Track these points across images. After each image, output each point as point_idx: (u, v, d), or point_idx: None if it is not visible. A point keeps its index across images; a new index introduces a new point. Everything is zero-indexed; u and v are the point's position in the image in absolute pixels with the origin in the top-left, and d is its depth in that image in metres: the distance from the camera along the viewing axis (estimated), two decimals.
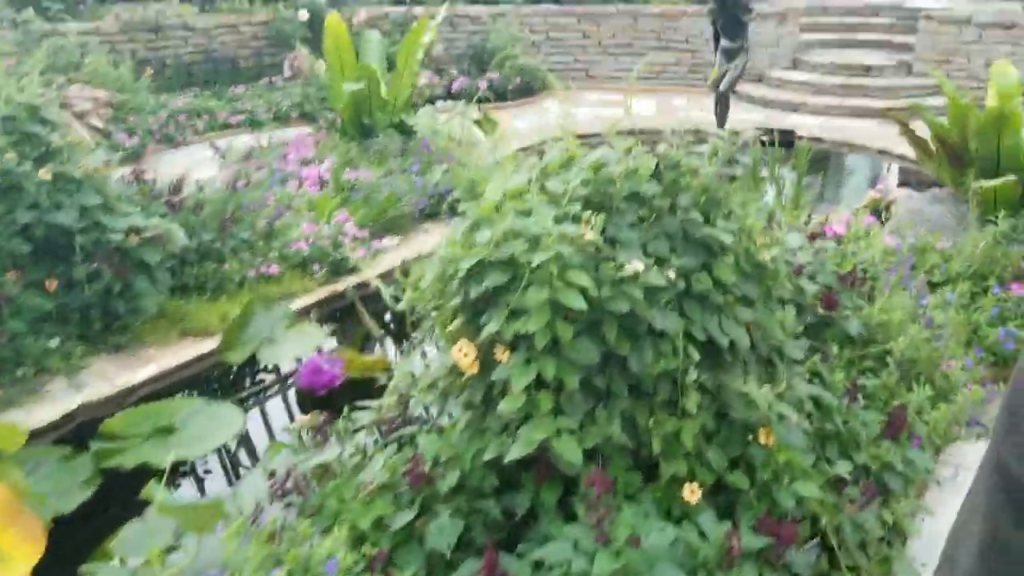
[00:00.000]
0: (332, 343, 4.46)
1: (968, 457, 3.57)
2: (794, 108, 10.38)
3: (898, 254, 4.26)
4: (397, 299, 2.61)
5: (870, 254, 4.12)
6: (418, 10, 11.07)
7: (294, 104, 8.92)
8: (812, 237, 3.49)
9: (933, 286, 4.18)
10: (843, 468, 2.70)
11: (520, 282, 2.27)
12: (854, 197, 7.79)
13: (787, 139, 8.79)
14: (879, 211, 5.36)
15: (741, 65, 7.44)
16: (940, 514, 3.32)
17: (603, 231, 2.39)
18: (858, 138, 8.88)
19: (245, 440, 3.72)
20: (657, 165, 2.61)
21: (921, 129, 5.47)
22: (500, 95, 10.65)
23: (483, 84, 10.59)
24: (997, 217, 4.58)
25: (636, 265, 2.31)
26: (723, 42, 7.48)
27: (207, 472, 3.58)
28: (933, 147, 5.11)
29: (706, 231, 2.45)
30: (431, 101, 10.03)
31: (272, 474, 2.62)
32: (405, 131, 6.66)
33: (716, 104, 7.67)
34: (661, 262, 2.42)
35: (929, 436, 3.10)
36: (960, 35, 10.38)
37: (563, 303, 2.21)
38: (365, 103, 6.61)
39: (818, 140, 8.86)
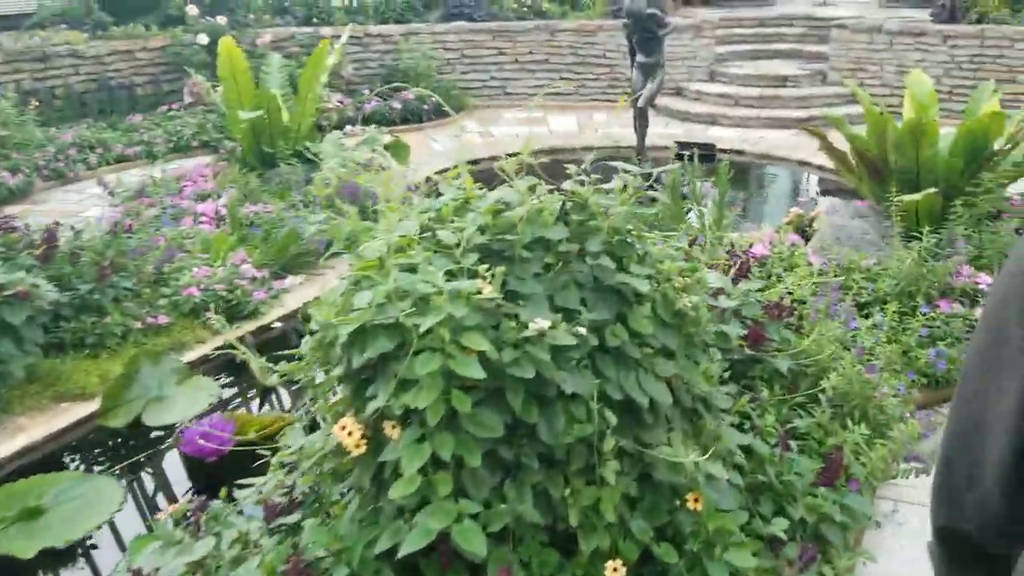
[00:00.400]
0: (231, 398, 4.08)
1: (906, 492, 3.39)
2: (713, 121, 10.32)
3: (824, 275, 4.09)
4: (273, 368, 2.29)
5: (796, 278, 3.94)
6: (326, 31, 10.72)
7: (195, 133, 8.48)
8: (738, 270, 3.27)
9: (861, 307, 4.01)
10: (779, 527, 2.47)
11: (409, 348, 1.97)
12: (779, 211, 7.70)
13: (708, 153, 8.69)
14: (803, 228, 5.21)
15: (658, 80, 7.28)
16: (882, 559, 3.13)
17: (504, 285, 2.12)
18: (778, 149, 8.83)
19: (126, 518, 3.33)
20: (563, 205, 2.34)
21: (840, 140, 5.36)
22: (415, 116, 10.35)
23: (397, 105, 10.28)
24: (921, 232, 4.46)
25: (541, 323, 2.04)
26: (639, 57, 7.32)
27: (82, 557, 3.18)
28: (852, 160, 4.99)
29: (619, 278, 2.19)
30: (341, 126, 9.68)
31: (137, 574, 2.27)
32: (310, 159, 6.31)
33: (635, 120, 7.50)
34: (571, 316, 2.15)
35: (867, 478, 2.90)
36: (871, 43, 10.47)
37: (458, 372, 1.92)
38: (265, 131, 6.25)
39: (739, 153, 8.78)
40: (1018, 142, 4.86)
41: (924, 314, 3.82)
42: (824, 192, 7.88)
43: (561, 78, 11.52)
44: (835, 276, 4.14)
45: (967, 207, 4.66)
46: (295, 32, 10.58)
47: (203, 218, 5.53)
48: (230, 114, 6.16)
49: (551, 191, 2.42)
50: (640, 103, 7.31)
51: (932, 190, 4.54)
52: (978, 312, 3.99)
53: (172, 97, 9.62)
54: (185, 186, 6.28)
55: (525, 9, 11.56)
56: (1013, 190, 5.50)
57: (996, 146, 4.84)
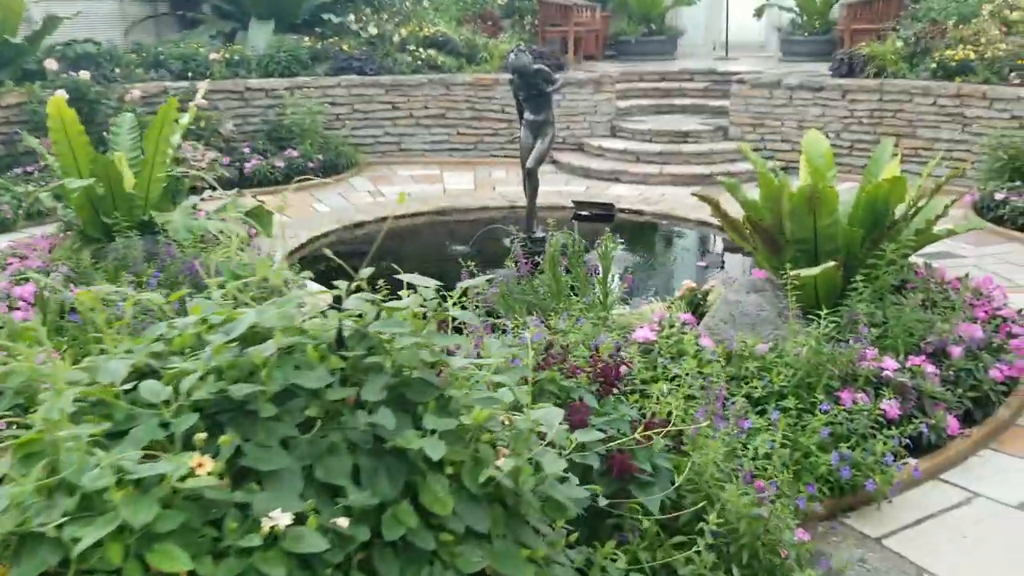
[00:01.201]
0: None
1: None
2: (616, 178, 9.96)
3: (713, 366, 3.58)
4: None
5: (683, 369, 3.43)
6: (203, 85, 10.03)
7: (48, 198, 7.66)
8: (603, 384, 2.70)
9: (756, 403, 3.52)
10: None
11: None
12: (682, 273, 7.28)
13: (606, 213, 8.27)
14: (696, 302, 4.74)
15: (548, 139, 6.82)
16: None
17: (237, 457, 1.51)
18: (679, 208, 8.45)
19: None
20: (339, 333, 1.75)
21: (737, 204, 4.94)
22: (301, 174, 9.70)
23: (280, 164, 9.63)
24: (820, 311, 4.02)
25: (278, 517, 1.43)
26: (527, 115, 6.86)
27: None
28: (746, 229, 4.55)
29: (401, 439, 1.60)
30: (213, 188, 8.97)
31: None
32: (159, 231, 5.63)
33: (524, 182, 7.00)
34: (337, 493, 1.56)
35: None
36: (771, 98, 10.29)
37: None
38: (104, 200, 5.54)
39: (638, 213, 8.38)
40: (920, 208, 4.49)
41: (824, 412, 3.33)
42: (727, 250, 7.52)
43: (458, 133, 11.05)
44: (726, 367, 3.65)
45: (869, 281, 4.25)
46: (168, 87, 9.88)
47: (20, 303, 4.77)
48: (66, 182, 5.45)
49: (331, 307, 1.83)
50: (529, 164, 6.83)
51: (830, 264, 4.12)
52: (884, 404, 3.54)
53: (28, 159, 8.78)
54: (10, 263, 5.51)
55: (420, 62, 11.09)
56: (918, 258, 5.17)
57: (898, 212, 4.47)
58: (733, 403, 3.30)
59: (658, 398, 2.97)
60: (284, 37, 11.19)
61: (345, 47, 11.22)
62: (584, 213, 8.40)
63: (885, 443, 3.30)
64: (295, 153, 9.84)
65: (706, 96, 11.79)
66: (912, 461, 3.50)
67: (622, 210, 8.37)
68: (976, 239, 7.40)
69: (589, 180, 10.02)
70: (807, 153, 4.99)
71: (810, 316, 4.13)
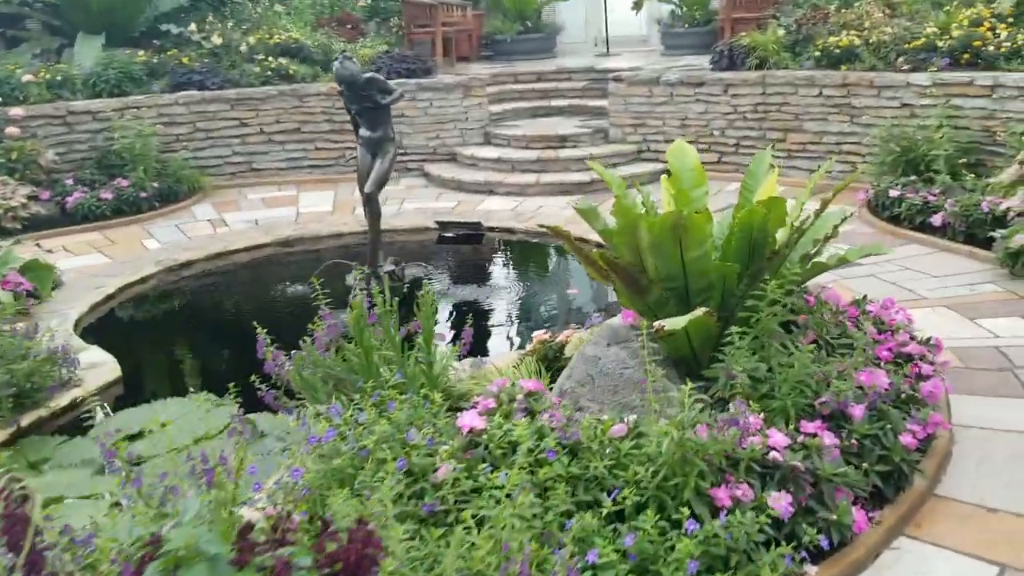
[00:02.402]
0: None
1: None
2: (490, 190, 9.09)
3: (551, 467, 2.71)
4: None
5: (514, 470, 2.55)
6: (16, 111, 8.77)
7: None
8: None
9: (608, 520, 2.66)
10: None
11: None
12: (551, 305, 6.44)
13: (475, 232, 7.40)
14: (550, 357, 3.88)
15: (389, 159, 5.87)
16: None
17: None
18: (553, 221, 7.59)
19: None
20: None
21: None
22: (132, 206, 8.54)
23: (108, 195, 8.44)
24: (698, 361, 3.20)
25: None
26: (362, 131, 5.91)
27: None
28: (603, 267, 3.71)
29: None
30: (25, 228, 7.79)
31: None
32: None
33: (365, 208, 6.02)
34: None
35: None
36: (651, 96, 9.58)
37: None
38: None
39: (509, 231, 7.53)
40: (804, 230, 3.73)
41: (690, 534, 2.49)
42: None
43: (316, 148, 10.02)
44: (569, 464, 2.78)
45: (750, 326, 3.45)
46: None
47: None
48: None
49: None
50: (367, 188, 5.87)
51: (699, 312, 3.30)
52: (773, 500, 2.72)
53: None
54: None
55: (270, 73, 10.00)
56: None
57: (780, 237, 3.69)
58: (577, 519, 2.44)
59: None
60: (115, 52, 9.95)
61: (185, 60, 10.05)
62: (449, 234, 7.51)
63: (774, 568, 2.48)
64: (125, 182, 8.66)
65: (585, 96, 11.03)
66: (810, 572, 2.69)
67: (492, 228, 7.51)
68: (871, 241, 6.78)
69: (462, 194, 9.13)
70: (672, 165, 4.19)
71: (685, 370, 3.31)
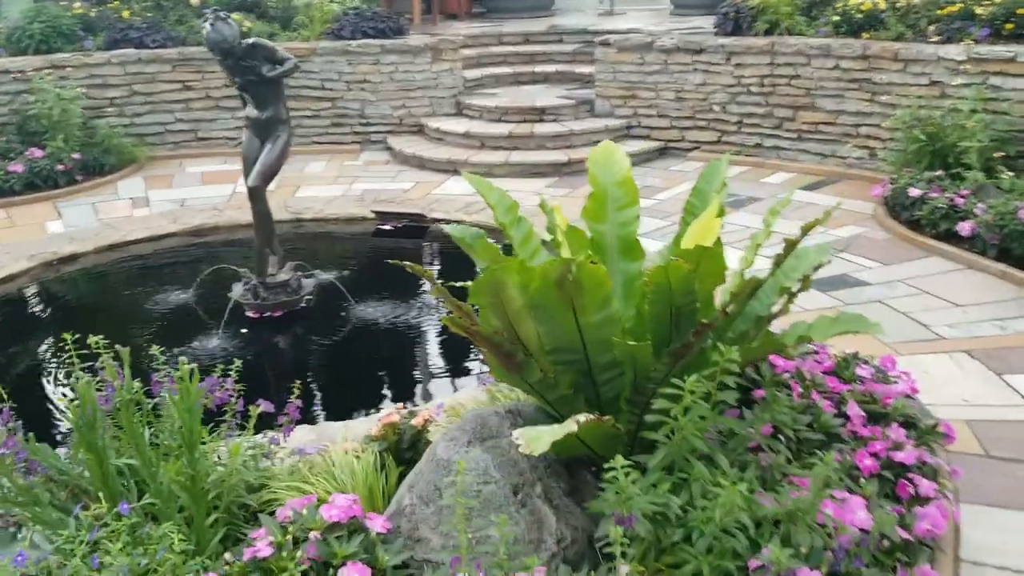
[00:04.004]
0: None
1: None
2: (454, 169, 7.98)
3: None
4: None
5: None
6: None
7: None
8: None
9: None
10: None
11: None
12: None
13: (418, 224, 6.34)
14: (401, 449, 2.81)
15: (280, 145, 4.77)
16: None
17: None
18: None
19: None
20: None
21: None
22: (48, 180, 7.56)
23: (18, 168, 7.45)
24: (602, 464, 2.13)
25: None
26: (249, 111, 4.81)
27: None
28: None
29: None
30: None
31: None
32: None
33: (252, 205, 4.89)
34: None
35: None
36: (643, 64, 8.37)
37: None
38: None
39: (459, 223, 6.40)
40: (758, 285, 2.61)
41: None
42: None
43: None
44: None
45: (667, 438, 2.36)
46: None
47: None
48: None
49: None
50: (250, 181, 4.79)
51: (584, 418, 2.22)
52: None
53: None
54: None
55: None
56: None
57: (717, 298, 2.59)
58: None
59: None
60: (45, 4, 8.89)
61: (126, 13, 8.99)
62: (387, 227, 6.44)
63: None
64: (40, 153, 7.66)
65: (575, 61, 9.82)
66: None
67: (437, 220, 6.41)
68: (884, 252, 5.63)
69: (423, 173, 8.04)
70: (593, 180, 3.10)
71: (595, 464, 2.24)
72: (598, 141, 8.11)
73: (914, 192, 5.86)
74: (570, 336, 2.52)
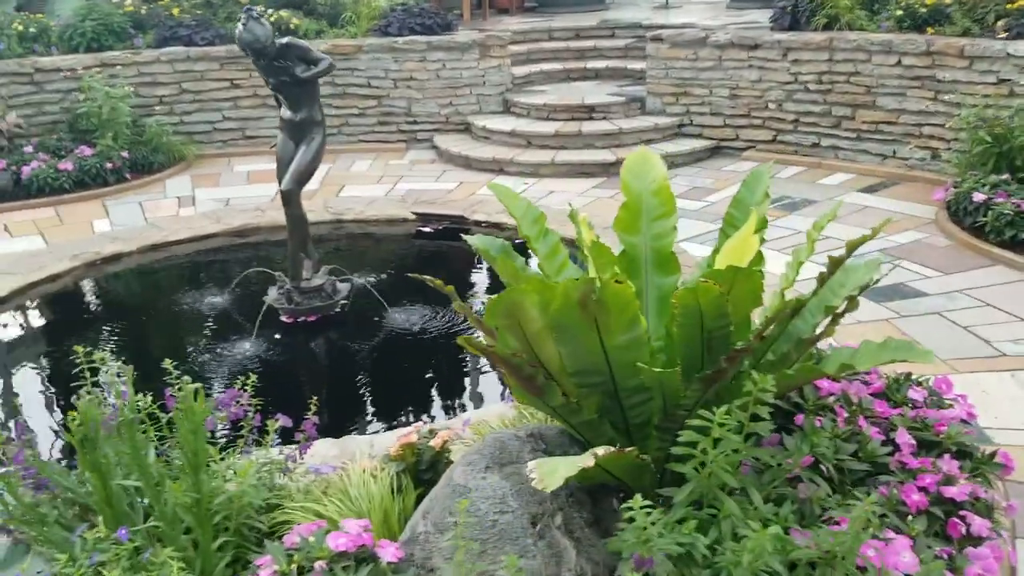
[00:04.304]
0: None
1: None
2: (500, 168, 7.87)
3: None
4: None
5: None
6: None
7: None
8: None
9: None
10: None
11: None
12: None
13: (459, 227, 6.23)
14: (419, 470, 2.69)
15: (315, 147, 4.70)
16: None
17: None
18: (554, 220, 6.33)
19: None
20: None
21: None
22: (97, 178, 7.62)
23: (68, 166, 7.54)
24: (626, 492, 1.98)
25: None
26: (284, 112, 4.75)
27: None
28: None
29: None
30: None
31: None
32: None
33: (285, 209, 4.81)
34: None
35: None
36: (696, 60, 8.14)
37: None
38: None
39: (497, 227, 6.30)
40: (801, 305, 2.43)
41: None
42: None
43: None
44: None
45: (695, 471, 2.20)
46: None
47: None
48: None
49: None
50: (284, 184, 4.73)
51: (603, 452, 2.08)
52: None
53: None
54: None
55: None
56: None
57: (757, 322, 2.42)
58: None
59: None
60: (97, 2, 8.99)
61: (175, 11, 9.04)
62: (428, 228, 6.35)
63: None
64: (89, 151, 7.75)
65: (627, 56, 9.61)
66: None
67: (478, 223, 6.30)
68: (945, 260, 5.35)
69: (468, 172, 7.93)
70: (627, 189, 2.94)
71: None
72: (649, 140, 8.08)
73: (978, 197, 5.56)
74: (594, 358, 2.37)
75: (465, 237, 2.89)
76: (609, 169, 7.62)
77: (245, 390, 2.76)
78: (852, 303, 2.51)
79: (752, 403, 2.14)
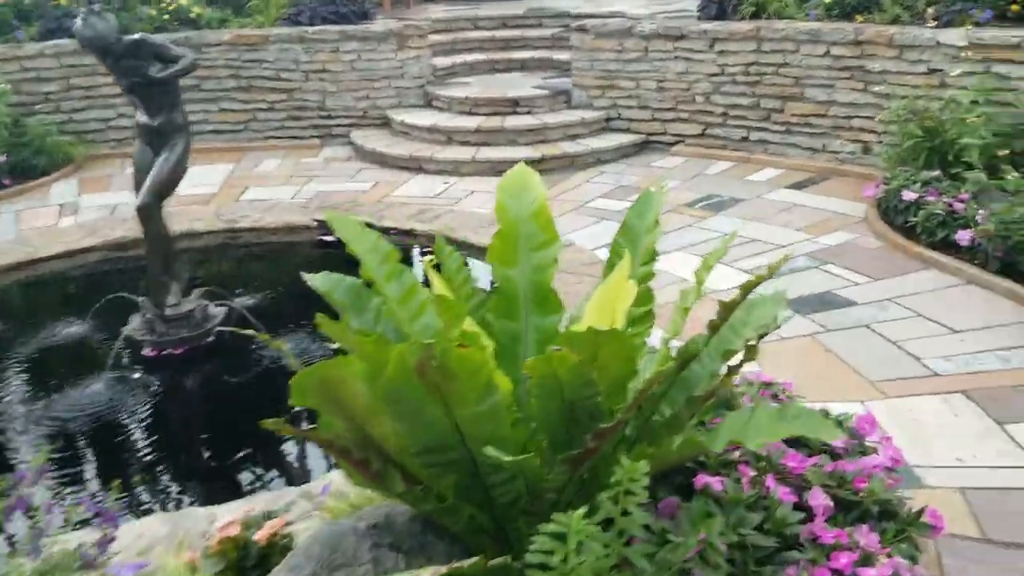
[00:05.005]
0: None
1: None
2: (419, 166, 7.42)
3: None
4: None
5: None
6: None
7: None
8: None
9: None
10: None
11: None
12: None
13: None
14: (246, 565, 2.25)
15: (176, 156, 4.18)
16: None
17: None
18: (470, 222, 5.94)
19: None
20: None
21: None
22: None
23: None
24: None
25: None
26: (139, 117, 4.22)
27: None
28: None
29: None
30: None
31: None
32: None
33: (143, 227, 4.26)
34: None
35: None
36: (622, 51, 7.75)
37: None
38: None
39: (409, 233, 5.85)
40: (689, 359, 2.04)
41: None
42: None
43: (221, 110, 8.35)
44: None
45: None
46: None
47: None
48: None
49: None
50: (141, 198, 4.21)
51: (469, 564, 1.67)
52: None
53: None
54: None
55: (167, 17, 8.31)
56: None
57: (632, 388, 2.03)
58: None
59: None
60: None
61: (63, 0, 8.39)
62: (330, 237, 5.86)
63: None
64: None
65: (553, 47, 9.20)
66: None
67: (387, 230, 5.83)
68: (875, 264, 5.05)
69: (385, 171, 7.46)
70: (501, 214, 2.54)
71: None
72: (575, 135, 7.67)
73: (908, 195, 5.27)
74: (443, 433, 1.96)
75: (305, 277, 2.46)
76: (534, 167, 7.16)
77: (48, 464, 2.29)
78: (751, 352, 2.13)
79: (622, 496, 1.75)
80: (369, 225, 5.77)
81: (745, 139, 7.32)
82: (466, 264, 2.62)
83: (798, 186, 6.53)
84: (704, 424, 2.32)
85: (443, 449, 2.00)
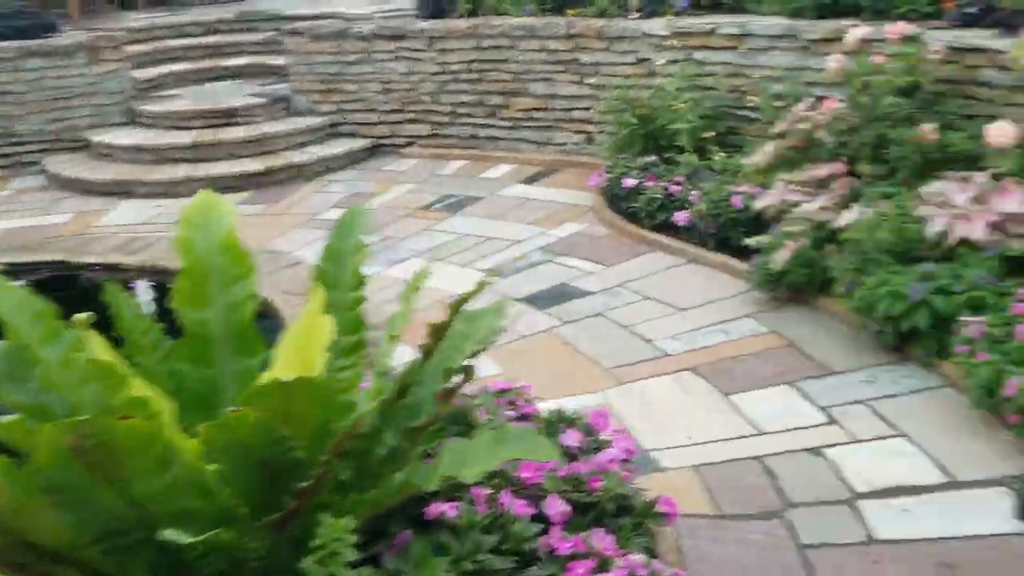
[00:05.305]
0: None
1: None
2: (127, 191, 6.77)
3: None
4: None
5: None
6: None
7: None
8: None
9: None
10: None
11: None
12: None
13: (63, 273, 5.14)
14: None
15: None
16: None
17: None
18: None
19: None
20: None
21: None
22: None
23: None
24: None
25: None
26: None
27: None
28: None
29: None
30: None
31: None
32: None
33: None
34: None
35: None
36: (341, 54, 7.49)
37: None
38: None
39: (115, 268, 5.27)
40: (404, 390, 1.87)
41: None
42: None
43: None
44: None
45: None
46: None
47: None
48: None
49: None
50: None
51: None
52: None
53: None
54: None
55: None
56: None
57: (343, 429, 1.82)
58: None
59: None
60: None
61: None
62: (18, 284, 5.17)
63: None
64: None
65: (268, 52, 8.75)
66: None
67: (89, 266, 5.23)
68: (605, 251, 5.17)
69: (87, 199, 6.73)
70: (184, 249, 2.24)
71: None
72: (301, 143, 7.29)
73: (629, 182, 5.45)
74: (121, 516, 1.66)
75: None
76: (260, 180, 6.80)
77: None
78: (468, 373, 2.00)
79: (328, 558, 1.54)
80: (62, 263, 5.15)
81: (475, 136, 7.32)
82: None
83: (530, 180, 6.62)
84: (429, 454, 2.16)
85: (125, 532, 1.70)
